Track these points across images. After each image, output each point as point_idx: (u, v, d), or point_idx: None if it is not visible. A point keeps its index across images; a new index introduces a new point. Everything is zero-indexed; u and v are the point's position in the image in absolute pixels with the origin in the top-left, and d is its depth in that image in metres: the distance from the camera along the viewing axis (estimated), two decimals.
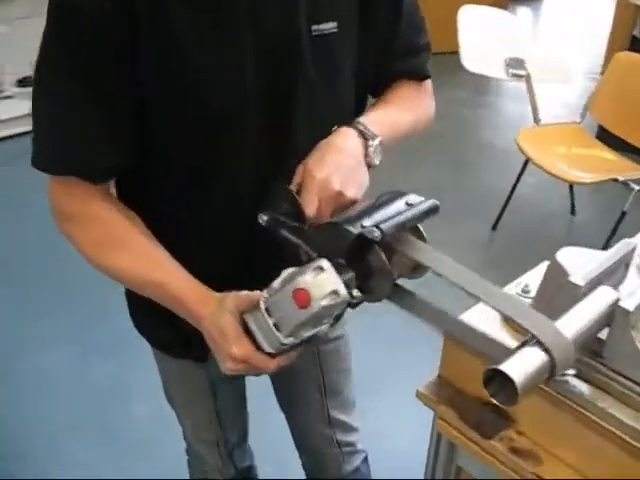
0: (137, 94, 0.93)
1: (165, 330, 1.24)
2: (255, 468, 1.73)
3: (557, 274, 0.96)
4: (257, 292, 0.88)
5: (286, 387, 1.50)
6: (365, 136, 0.99)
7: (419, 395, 1.06)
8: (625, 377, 0.89)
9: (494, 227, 3.33)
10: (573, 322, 0.83)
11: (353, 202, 0.93)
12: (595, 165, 3.04)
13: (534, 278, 1.04)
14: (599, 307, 0.87)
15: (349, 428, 1.52)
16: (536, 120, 3.11)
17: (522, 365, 0.74)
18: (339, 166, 0.94)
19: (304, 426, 1.53)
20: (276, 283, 0.85)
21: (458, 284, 0.81)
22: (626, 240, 0.99)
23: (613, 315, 0.87)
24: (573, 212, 3.49)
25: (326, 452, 1.54)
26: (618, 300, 0.87)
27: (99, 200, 0.98)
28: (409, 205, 0.89)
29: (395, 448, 2.06)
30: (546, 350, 0.74)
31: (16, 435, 2.27)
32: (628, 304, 0.86)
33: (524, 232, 3.34)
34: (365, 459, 1.62)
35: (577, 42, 6.00)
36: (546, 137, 3.13)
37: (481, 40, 2.83)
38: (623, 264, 0.98)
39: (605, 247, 2.82)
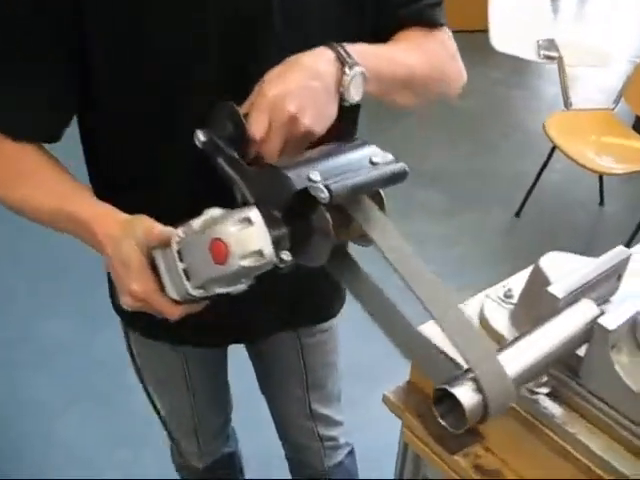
0: (76, 47, 0.85)
1: (141, 313, 1.21)
2: (238, 456, 1.69)
3: (539, 281, 0.88)
4: (171, 229, 0.75)
5: (268, 377, 1.44)
6: (343, 61, 0.82)
7: (385, 400, 0.99)
8: (601, 400, 0.81)
9: (517, 214, 3.22)
10: (539, 342, 0.76)
11: (309, 135, 0.80)
12: (627, 155, 2.91)
13: (518, 282, 0.96)
14: (576, 322, 0.79)
15: (332, 422, 1.46)
16: (567, 105, 2.98)
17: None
18: (300, 86, 0.79)
19: (285, 418, 1.48)
20: (195, 223, 0.73)
21: (400, 273, 0.69)
22: (620, 248, 0.90)
23: (592, 332, 0.79)
24: (601, 203, 3.35)
25: (307, 445, 1.49)
26: (599, 316, 0.79)
27: (10, 140, 0.90)
28: (373, 164, 0.75)
29: (387, 442, 1.99)
30: (480, 390, 0.66)
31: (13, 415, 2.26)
32: (608, 322, 0.77)
33: (548, 221, 3.22)
34: (350, 453, 1.56)
35: (625, 25, 5.77)
36: (576, 123, 3.00)
37: (512, 19, 2.70)
38: (615, 275, 0.90)
39: (629, 242, 2.70)
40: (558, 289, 0.81)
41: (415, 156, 3.68)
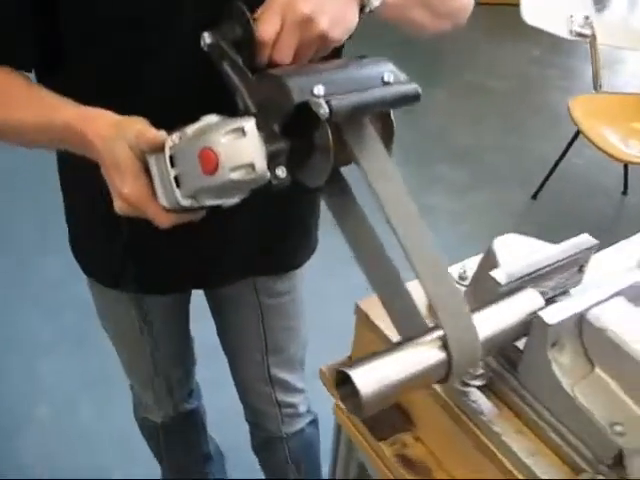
0: None
1: (98, 258, 1.17)
2: (201, 413, 1.65)
3: (489, 264, 0.80)
4: (165, 133, 0.71)
5: (228, 337, 1.40)
6: None
7: (321, 375, 0.93)
8: (535, 399, 0.74)
9: (534, 196, 3.11)
10: (483, 323, 0.68)
11: (325, 41, 0.74)
12: None
13: (475, 264, 0.89)
14: (516, 312, 0.72)
15: (292, 388, 1.41)
16: (596, 87, 2.83)
17: (381, 372, 0.61)
18: None
19: (243, 380, 1.43)
20: (190, 129, 0.69)
21: (387, 213, 0.63)
22: (585, 236, 0.82)
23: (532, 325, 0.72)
24: (625, 192, 3.22)
25: (264, 410, 1.44)
26: (539, 309, 0.71)
27: None
28: (384, 83, 0.69)
29: None
30: (445, 347, 0.60)
31: None
32: (549, 315, 0.70)
33: (566, 206, 3.10)
34: (312, 422, 1.51)
35: None
36: (604, 107, 2.87)
37: None
38: (575, 265, 0.82)
39: None
40: (501, 274, 0.74)
41: (439, 129, 3.58)
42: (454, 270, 0.90)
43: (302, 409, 1.45)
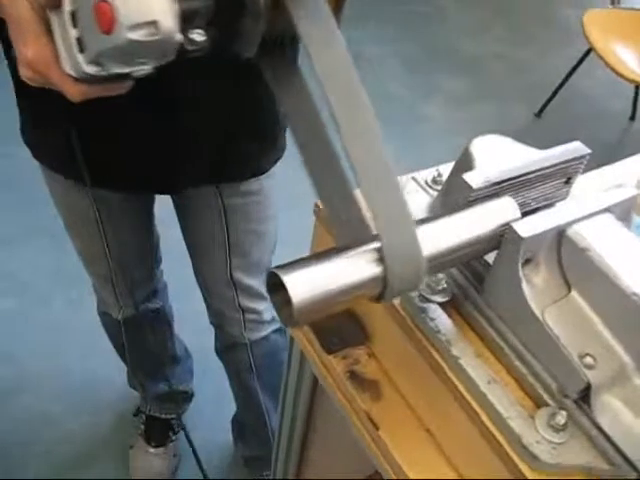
0: None
1: (50, 143, 1.10)
2: (166, 314, 1.59)
3: (464, 167, 0.71)
4: None
5: (191, 239, 1.32)
6: None
7: None
8: (500, 319, 0.65)
9: (538, 114, 2.98)
10: (433, 235, 0.59)
11: None
12: None
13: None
14: (487, 221, 0.63)
15: (255, 294, 1.34)
16: (613, 1, 2.67)
17: (319, 278, 0.52)
18: None
19: (207, 282, 1.37)
20: None
21: (327, 96, 0.51)
22: (577, 144, 0.73)
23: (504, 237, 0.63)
24: (633, 117, 3.10)
25: (228, 314, 1.38)
26: (514, 220, 0.62)
27: None
28: None
29: None
30: (381, 260, 0.52)
31: None
32: (523, 228, 0.61)
33: (570, 127, 2.98)
34: (278, 331, 1.46)
35: None
36: (619, 24, 2.70)
37: None
38: (562, 176, 0.72)
39: None
40: (474, 177, 0.64)
41: (443, 38, 3.41)
42: (427, 174, 0.81)
43: (267, 316, 1.39)
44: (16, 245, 2.26)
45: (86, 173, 1.01)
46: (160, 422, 1.83)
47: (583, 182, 0.79)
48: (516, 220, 0.62)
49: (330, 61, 0.51)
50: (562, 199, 0.75)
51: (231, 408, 1.75)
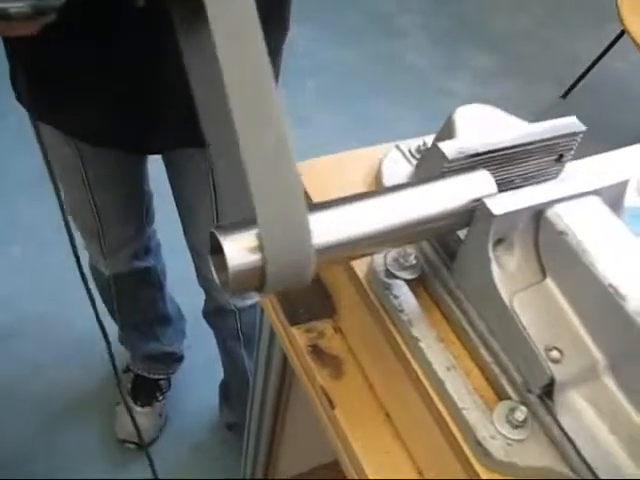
0: None
1: (40, 94, 1.05)
2: (158, 272, 1.56)
3: (447, 136, 0.66)
4: None
5: (180, 198, 1.30)
6: None
7: None
8: (467, 299, 0.61)
9: (565, 95, 2.89)
10: (406, 203, 0.55)
11: None
12: None
13: None
14: (459, 195, 0.58)
15: None
16: None
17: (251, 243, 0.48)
18: None
19: (194, 243, 1.36)
20: None
21: (220, 61, 0.43)
22: (571, 119, 0.67)
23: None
24: None
25: (213, 279, 1.34)
26: (488, 196, 0.57)
27: None
28: None
29: None
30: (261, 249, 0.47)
31: None
32: (495, 204, 0.56)
33: (598, 112, 2.87)
34: None
35: None
36: None
37: None
38: (552, 152, 0.67)
39: None
40: (451, 147, 0.59)
41: (477, 13, 3.31)
42: (412, 143, 0.75)
43: None
44: (22, 193, 2.24)
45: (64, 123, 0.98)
46: (148, 382, 1.81)
47: (588, 165, 0.74)
48: (490, 196, 0.57)
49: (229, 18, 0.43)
50: (553, 177, 0.69)
51: (222, 373, 1.73)
